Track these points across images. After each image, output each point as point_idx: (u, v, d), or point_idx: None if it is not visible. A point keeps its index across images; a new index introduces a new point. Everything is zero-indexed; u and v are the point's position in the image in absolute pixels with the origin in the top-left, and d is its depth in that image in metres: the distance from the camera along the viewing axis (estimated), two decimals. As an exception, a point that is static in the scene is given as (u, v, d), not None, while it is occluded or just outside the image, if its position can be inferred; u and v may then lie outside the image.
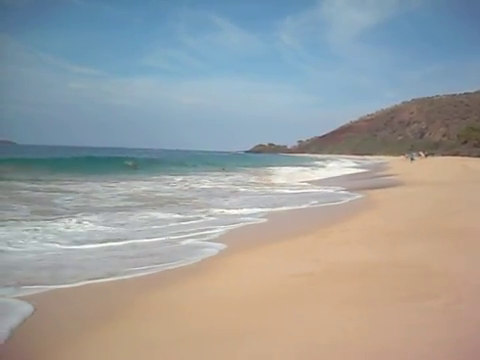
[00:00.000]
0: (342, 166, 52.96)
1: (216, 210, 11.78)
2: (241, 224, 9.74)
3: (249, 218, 10.56)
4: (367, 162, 70.03)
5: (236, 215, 11.05)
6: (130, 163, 33.95)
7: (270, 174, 33.54)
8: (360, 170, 42.23)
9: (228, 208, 12.27)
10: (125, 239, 7.86)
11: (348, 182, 23.81)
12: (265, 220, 10.33)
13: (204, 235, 8.33)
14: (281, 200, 14.65)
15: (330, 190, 18.72)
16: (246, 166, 44.69)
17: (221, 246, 7.38)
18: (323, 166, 51.97)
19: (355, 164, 59.67)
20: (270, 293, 4.76)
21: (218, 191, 18.20)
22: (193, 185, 21.36)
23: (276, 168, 41.27)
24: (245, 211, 11.68)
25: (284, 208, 12.60)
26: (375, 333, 3.58)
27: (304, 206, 13.01)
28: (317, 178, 29.37)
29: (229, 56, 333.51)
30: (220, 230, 8.89)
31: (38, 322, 4.14)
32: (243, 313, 4.21)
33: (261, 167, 43.61)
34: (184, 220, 10.02)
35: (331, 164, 57.43)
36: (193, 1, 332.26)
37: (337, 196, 16.14)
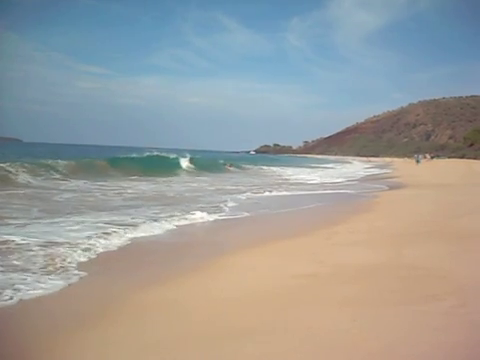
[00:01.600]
0: (363, 167, 54.09)
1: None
2: (246, 220, 9.76)
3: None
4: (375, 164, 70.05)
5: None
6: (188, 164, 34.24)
7: (298, 174, 34.26)
8: (382, 171, 42.06)
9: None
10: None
11: (364, 183, 23.76)
12: (267, 219, 10.31)
13: (206, 233, 8.35)
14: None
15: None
16: (269, 165, 44.75)
17: (223, 244, 7.36)
18: (333, 168, 52.44)
19: (370, 165, 60.48)
20: (272, 293, 4.71)
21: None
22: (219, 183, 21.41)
23: (295, 169, 41.60)
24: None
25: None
26: (379, 335, 3.54)
27: (310, 206, 12.97)
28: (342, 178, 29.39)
29: (236, 56, 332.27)
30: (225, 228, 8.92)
31: (35, 319, 4.13)
32: (245, 313, 4.17)
33: (284, 167, 43.71)
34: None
35: (343, 165, 58.56)
36: (200, 1, 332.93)
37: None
